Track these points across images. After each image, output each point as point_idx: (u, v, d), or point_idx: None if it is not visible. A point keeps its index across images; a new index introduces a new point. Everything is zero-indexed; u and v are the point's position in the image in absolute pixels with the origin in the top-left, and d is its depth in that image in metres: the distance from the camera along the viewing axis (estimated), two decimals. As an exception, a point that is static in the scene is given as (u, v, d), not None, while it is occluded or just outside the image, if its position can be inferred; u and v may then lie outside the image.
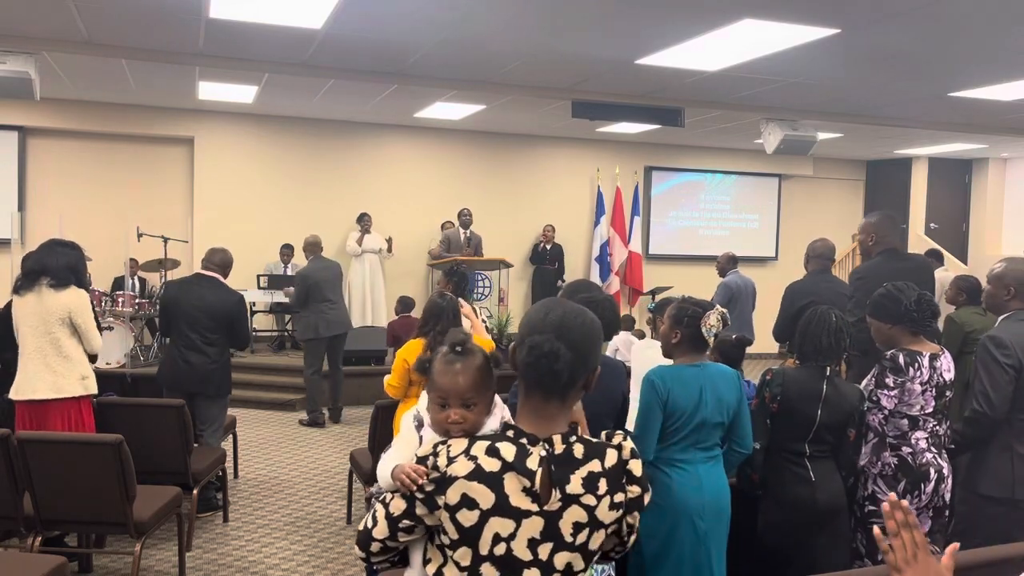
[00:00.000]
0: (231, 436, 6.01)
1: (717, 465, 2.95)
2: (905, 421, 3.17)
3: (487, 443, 1.61)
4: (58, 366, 4.24)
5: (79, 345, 4.32)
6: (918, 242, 12.30)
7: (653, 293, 10.92)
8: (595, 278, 11.54)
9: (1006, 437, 3.27)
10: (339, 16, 5.25)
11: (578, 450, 1.63)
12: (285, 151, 10.55)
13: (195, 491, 4.70)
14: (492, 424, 1.79)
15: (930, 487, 3.13)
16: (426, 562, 1.69)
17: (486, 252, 10.37)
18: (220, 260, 5.41)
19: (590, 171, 11.83)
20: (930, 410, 3.19)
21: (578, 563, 1.63)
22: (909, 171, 12.70)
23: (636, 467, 1.67)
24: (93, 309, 4.49)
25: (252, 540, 4.86)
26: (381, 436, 4.42)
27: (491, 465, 1.58)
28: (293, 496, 5.69)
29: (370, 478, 4.62)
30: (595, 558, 1.68)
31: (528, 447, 1.61)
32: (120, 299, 8.44)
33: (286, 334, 10.08)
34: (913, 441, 3.16)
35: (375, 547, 1.71)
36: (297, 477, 6.14)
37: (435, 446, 1.64)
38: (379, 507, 1.70)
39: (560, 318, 1.64)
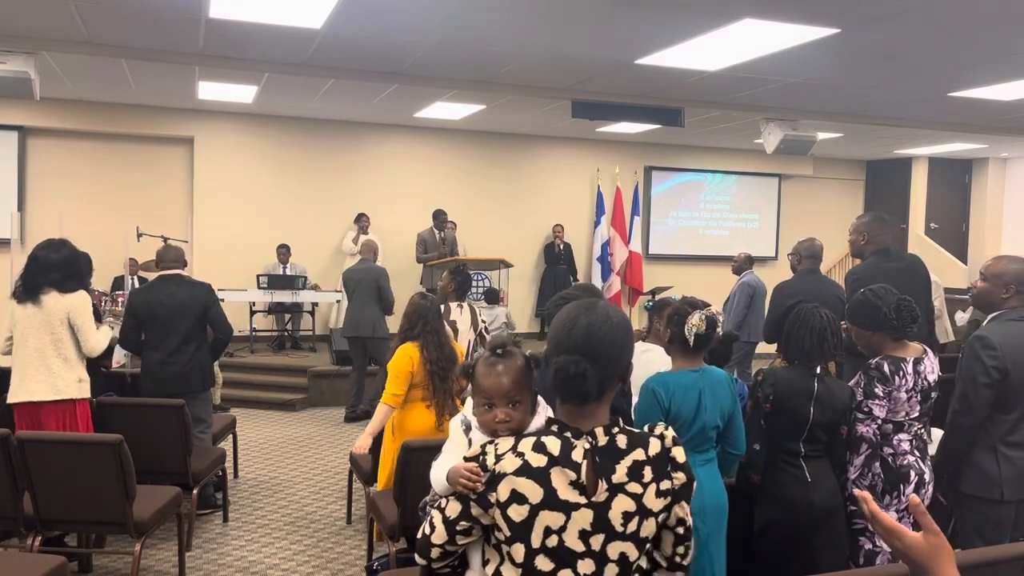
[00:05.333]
0: (231, 436, 6.01)
1: (713, 467, 2.96)
2: (890, 425, 3.16)
3: (533, 439, 1.67)
4: (57, 367, 4.24)
5: (78, 348, 4.32)
6: (918, 242, 12.30)
7: (653, 293, 10.92)
8: (596, 278, 11.57)
9: (990, 438, 3.24)
10: (339, 16, 5.25)
11: (621, 441, 1.68)
12: (285, 151, 10.56)
13: (195, 491, 4.70)
14: (538, 422, 1.84)
15: (910, 489, 3.11)
16: (485, 563, 1.73)
17: (486, 253, 10.37)
18: (175, 256, 5.28)
19: (590, 171, 11.83)
20: (915, 415, 3.18)
21: (632, 552, 1.66)
22: (909, 171, 12.70)
23: (679, 454, 1.72)
24: (96, 309, 4.48)
25: (252, 540, 4.86)
26: (381, 436, 4.41)
27: (538, 461, 1.63)
28: (293, 496, 5.69)
29: (370, 478, 4.62)
30: (662, 556, 1.73)
31: (572, 440, 1.66)
32: (120, 299, 8.43)
33: (286, 334, 10.09)
34: (895, 442, 3.15)
35: (435, 553, 1.73)
36: (297, 477, 6.14)
37: (483, 446, 1.70)
38: (435, 513, 1.74)
39: (585, 332, 1.67)
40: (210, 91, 8.58)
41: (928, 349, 3.29)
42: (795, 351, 3.14)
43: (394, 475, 3.76)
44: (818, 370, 3.13)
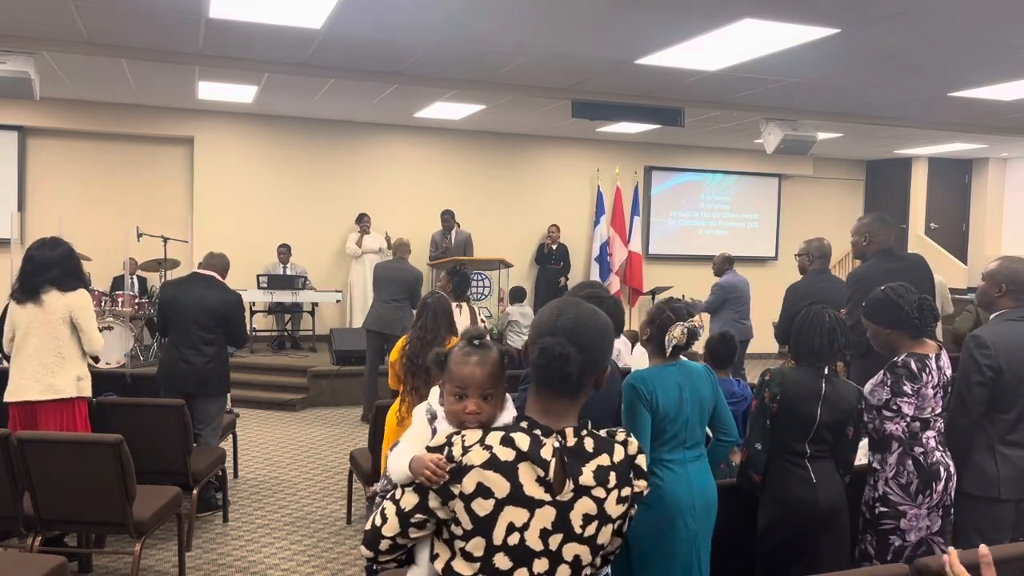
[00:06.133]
0: (231, 436, 6.01)
1: (703, 463, 2.97)
2: (918, 423, 3.18)
3: (501, 433, 1.64)
4: (55, 366, 4.23)
5: (77, 346, 4.31)
6: (918, 242, 12.31)
7: (653, 293, 10.93)
8: (595, 278, 11.54)
9: (989, 437, 3.27)
10: (339, 16, 5.25)
11: (588, 444, 1.67)
12: (285, 151, 10.55)
13: (195, 491, 4.70)
14: (504, 418, 1.82)
15: (940, 486, 3.14)
16: (433, 557, 1.69)
17: (486, 253, 10.36)
18: (220, 263, 5.42)
19: (590, 171, 11.83)
20: (939, 410, 3.21)
21: (586, 556, 1.65)
22: (909, 171, 12.70)
23: (643, 461, 1.72)
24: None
25: (252, 540, 4.86)
26: (381, 436, 4.41)
27: (506, 454, 1.61)
28: (293, 496, 5.69)
29: (370, 478, 4.62)
30: (601, 553, 1.69)
31: (542, 438, 1.64)
32: (120, 299, 8.44)
33: (286, 334, 10.09)
34: (924, 440, 3.17)
35: (384, 545, 1.69)
36: (297, 477, 6.14)
37: (449, 437, 1.67)
38: (388, 504, 1.71)
39: (573, 320, 1.66)
40: (210, 91, 8.58)
41: (941, 345, 3.32)
42: (805, 350, 3.15)
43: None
44: (826, 371, 3.13)
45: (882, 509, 3.19)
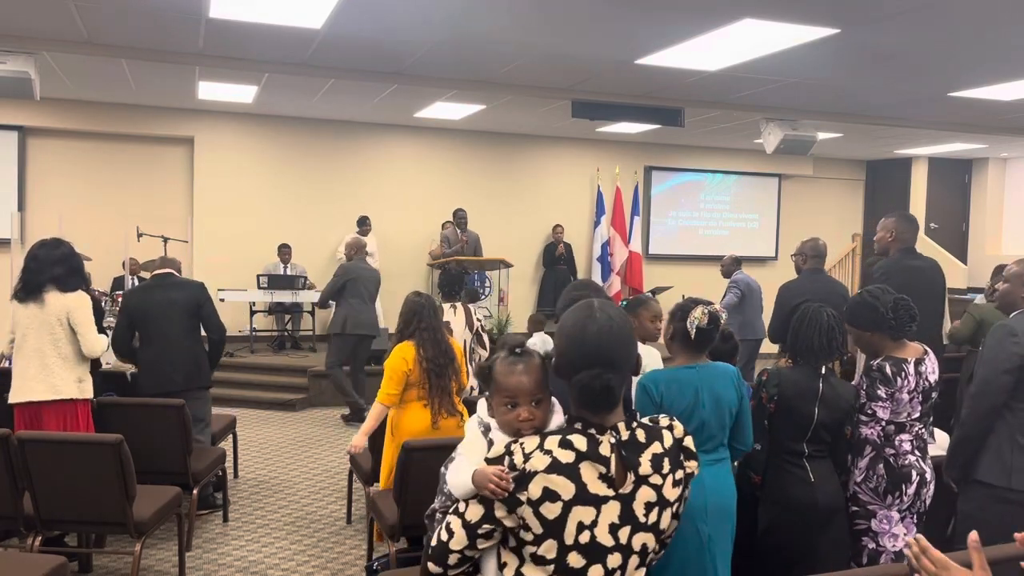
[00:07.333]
0: (231, 436, 6.01)
1: (722, 467, 2.91)
2: (893, 427, 3.18)
3: (559, 437, 1.69)
4: (56, 367, 4.23)
5: (76, 347, 4.30)
6: (918, 242, 12.28)
7: (653, 293, 10.93)
8: (596, 278, 11.56)
9: (1008, 426, 3.28)
10: (339, 16, 5.25)
11: (641, 434, 1.72)
12: (285, 151, 10.56)
13: (195, 491, 4.70)
14: (556, 420, 1.86)
15: (911, 489, 3.13)
16: (502, 566, 1.72)
17: (486, 253, 10.37)
18: (174, 263, 5.40)
19: (590, 171, 11.83)
20: (916, 415, 3.20)
21: (651, 543, 1.71)
22: (909, 171, 12.71)
23: (690, 442, 1.79)
24: (99, 308, 4.46)
25: (252, 540, 4.86)
26: (380, 436, 4.41)
27: (566, 457, 1.65)
28: (293, 496, 5.69)
29: (370, 478, 4.62)
30: (660, 538, 1.74)
31: (597, 436, 1.69)
32: (120, 299, 8.43)
33: (286, 334, 10.08)
34: (897, 443, 3.17)
35: (453, 559, 1.73)
36: (297, 477, 6.14)
37: (507, 446, 1.71)
38: (452, 518, 1.74)
39: (596, 342, 1.69)
40: (210, 91, 8.58)
41: (928, 350, 3.30)
42: (803, 350, 3.14)
43: (394, 475, 3.76)
44: (823, 370, 3.13)
45: (853, 509, 3.20)
